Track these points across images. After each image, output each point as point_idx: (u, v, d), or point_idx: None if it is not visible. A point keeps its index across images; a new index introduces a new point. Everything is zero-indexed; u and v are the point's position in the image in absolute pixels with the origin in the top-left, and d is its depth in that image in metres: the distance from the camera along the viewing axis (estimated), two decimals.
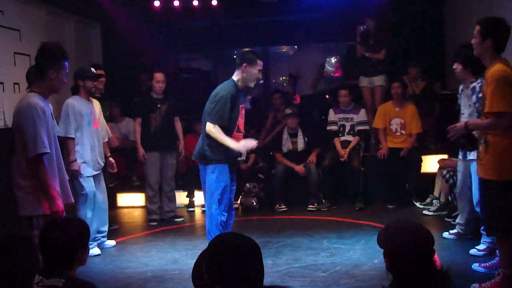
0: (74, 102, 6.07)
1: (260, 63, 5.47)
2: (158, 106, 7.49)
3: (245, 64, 5.41)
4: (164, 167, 7.61)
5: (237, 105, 5.40)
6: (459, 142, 4.78)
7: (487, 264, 4.96)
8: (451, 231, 6.12)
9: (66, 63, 4.29)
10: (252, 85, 5.55)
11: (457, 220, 6.12)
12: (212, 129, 5.26)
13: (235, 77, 5.49)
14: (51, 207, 4.09)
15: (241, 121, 5.51)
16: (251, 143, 5.39)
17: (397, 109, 7.98)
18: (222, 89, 5.38)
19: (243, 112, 5.55)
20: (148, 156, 7.48)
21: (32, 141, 4.01)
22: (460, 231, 6.02)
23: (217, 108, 5.27)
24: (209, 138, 5.32)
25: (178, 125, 7.74)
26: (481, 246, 5.48)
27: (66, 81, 4.36)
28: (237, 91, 5.44)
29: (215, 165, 5.36)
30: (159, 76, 7.47)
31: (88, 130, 6.12)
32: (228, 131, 5.32)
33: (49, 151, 4.09)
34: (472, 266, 5.02)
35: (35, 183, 4.12)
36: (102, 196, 6.36)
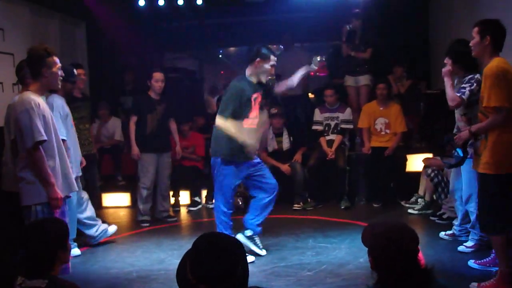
0: (61, 101, 5.98)
1: (273, 58, 5.56)
2: (156, 107, 7.41)
3: (258, 59, 5.51)
4: (161, 166, 7.53)
5: (248, 99, 5.46)
6: (458, 161, 4.88)
7: (482, 261, 4.98)
8: (446, 232, 6.03)
9: (57, 59, 4.39)
10: (264, 80, 5.62)
11: (454, 221, 6.08)
12: (221, 124, 5.40)
13: (248, 71, 5.60)
14: (49, 194, 4.16)
15: (253, 109, 5.55)
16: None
17: (381, 108, 8.01)
18: (232, 84, 5.57)
19: (255, 102, 5.58)
20: (144, 156, 7.39)
21: (29, 131, 4.11)
22: (456, 232, 5.93)
23: (225, 102, 5.44)
24: (216, 130, 5.53)
25: (174, 127, 7.73)
26: (469, 243, 5.50)
27: (61, 74, 4.42)
28: (249, 85, 5.53)
29: (217, 158, 5.56)
30: (158, 75, 7.37)
31: (71, 130, 6.07)
32: (239, 120, 5.46)
33: (46, 138, 4.17)
34: (468, 263, 5.03)
35: (34, 173, 4.18)
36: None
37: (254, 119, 5.58)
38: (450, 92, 5.12)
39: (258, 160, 5.79)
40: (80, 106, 6.72)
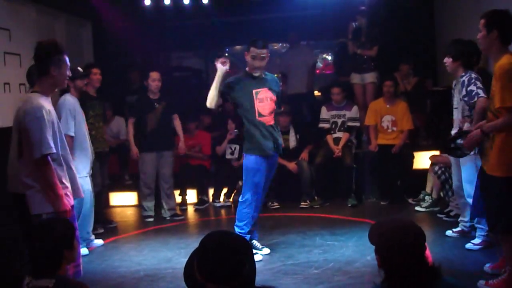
0: (73, 100, 6.01)
1: (252, 49, 5.51)
2: (155, 106, 7.45)
3: (246, 51, 5.58)
4: (162, 165, 7.57)
5: (245, 90, 5.51)
6: (457, 152, 4.80)
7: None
8: (454, 229, 6.01)
9: (66, 57, 4.17)
10: (254, 74, 5.59)
11: (460, 218, 6.06)
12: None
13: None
14: (58, 206, 4.00)
15: (260, 106, 5.52)
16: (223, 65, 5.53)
17: (388, 106, 8.00)
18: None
19: (260, 96, 5.54)
20: (144, 155, 7.46)
21: (38, 142, 3.91)
22: (464, 228, 5.93)
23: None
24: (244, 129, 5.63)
25: (177, 123, 7.74)
26: (477, 240, 5.47)
27: (69, 74, 4.24)
28: (246, 76, 5.58)
29: (245, 154, 5.63)
30: (154, 74, 7.44)
31: (84, 128, 6.10)
32: (248, 116, 5.52)
33: (55, 151, 4.00)
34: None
35: (40, 185, 4.03)
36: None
37: (266, 117, 5.57)
38: (477, 114, 5.01)
39: (275, 159, 5.80)
40: (95, 104, 6.79)
